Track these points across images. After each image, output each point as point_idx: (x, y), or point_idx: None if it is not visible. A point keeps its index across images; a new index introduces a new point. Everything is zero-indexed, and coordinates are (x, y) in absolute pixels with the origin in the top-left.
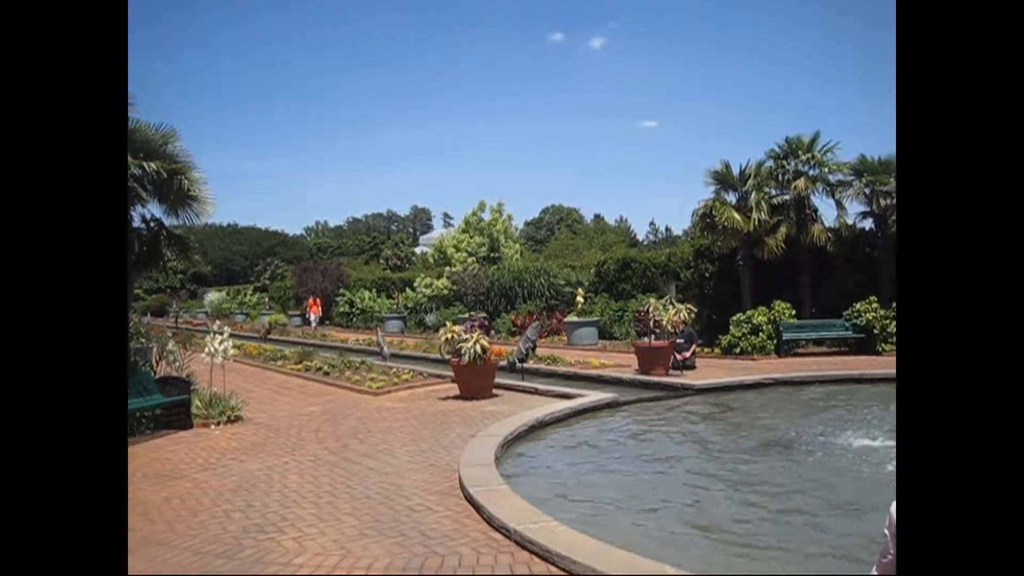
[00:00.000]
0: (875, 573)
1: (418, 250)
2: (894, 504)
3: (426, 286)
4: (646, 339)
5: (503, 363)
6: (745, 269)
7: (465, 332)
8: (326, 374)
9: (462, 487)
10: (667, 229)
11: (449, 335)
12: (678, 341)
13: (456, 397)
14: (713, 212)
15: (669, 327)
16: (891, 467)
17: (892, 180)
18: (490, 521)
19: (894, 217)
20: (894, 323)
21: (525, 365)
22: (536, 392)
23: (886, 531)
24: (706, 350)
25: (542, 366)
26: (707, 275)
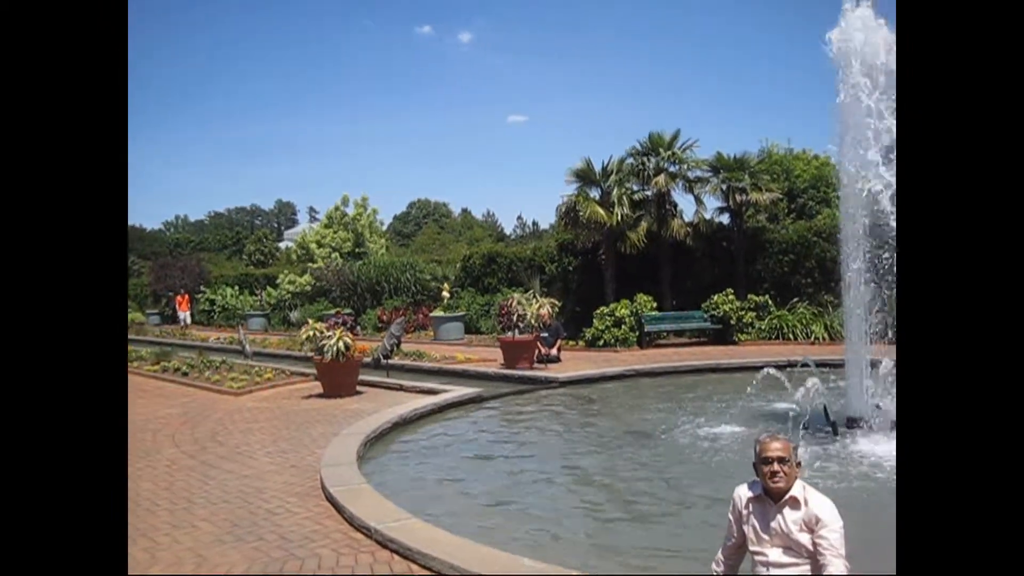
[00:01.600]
0: (720, 556)
1: (283, 245)
2: (736, 490)
3: (290, 283)
4: (510, 333)
5: (368, 360)
6: (608, 263)
7: (328, 329)
8: (185, 375)
9: (323, 487)
10: (534, 223)
11: (311, 332)
12: (543, 335)
13: (320, 395)
14: (577, 207)
15: (533, 321)
16: (734, 455)
17: (747, 176)
18: (351, 521)
19: (749, 212)
20: (749, 314)
21: (390, 361)
22: (401, 388)
23: (729, 516)
24: (571, 343)
25: (407, 362)
26: (571, 269)
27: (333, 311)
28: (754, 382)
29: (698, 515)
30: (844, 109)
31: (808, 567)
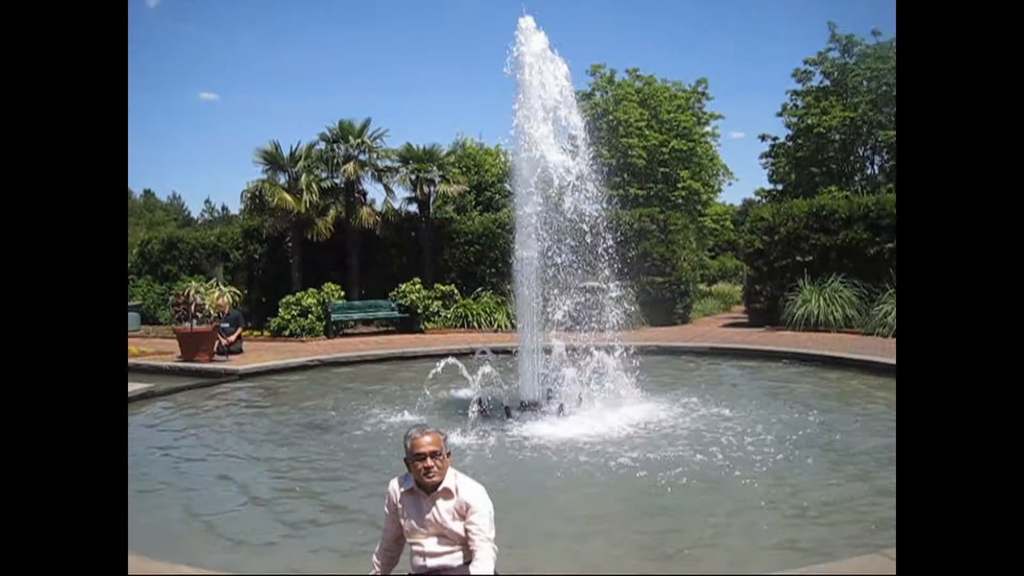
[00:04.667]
0: (379, 550)
1: None
2: (390, 484)
3: None
4: (188, 324)
5: None
6: (295, 251)
7: None
8: None
9: None
10: (224, 208)
11: None
12: (223, 325)
13: None
14: (263, 192)
15: (212, 311)
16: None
17: (435, 168)
18: None
19: (438, 203)
20: (436, 303)
21: None
22: None
23: (385, 510)
24: (255, 333)
25: None
26: (257, 256)
27: None
28: (432, 373)
29: (367, 508)
30: (520, 111)
31: (461, 553)
